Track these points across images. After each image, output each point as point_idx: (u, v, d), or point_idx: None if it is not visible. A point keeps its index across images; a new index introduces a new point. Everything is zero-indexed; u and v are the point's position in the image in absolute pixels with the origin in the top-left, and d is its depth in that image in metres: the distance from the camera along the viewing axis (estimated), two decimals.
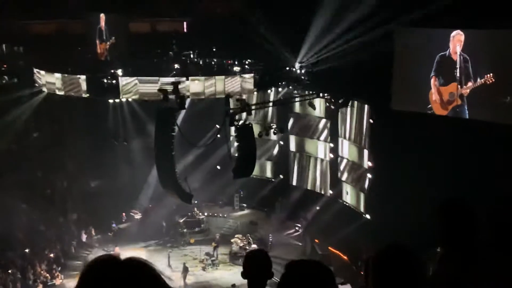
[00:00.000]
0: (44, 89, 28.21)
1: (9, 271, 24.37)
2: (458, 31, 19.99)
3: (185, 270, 24.26)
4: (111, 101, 28.34)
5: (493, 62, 19.31)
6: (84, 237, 28.50)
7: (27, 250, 26.25)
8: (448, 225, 3.74)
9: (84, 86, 26.34)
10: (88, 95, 26.65)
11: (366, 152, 25.79)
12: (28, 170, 30.97)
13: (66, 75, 26.84)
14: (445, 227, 3.75)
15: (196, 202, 27.44)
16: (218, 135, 27.32)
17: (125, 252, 26.39)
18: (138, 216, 30.14)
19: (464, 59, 19.88)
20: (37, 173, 31.53)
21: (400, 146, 21.64)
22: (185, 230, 28.58)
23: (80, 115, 30.31)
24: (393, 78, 22.29)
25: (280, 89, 28.16)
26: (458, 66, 20.11)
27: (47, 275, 25.07)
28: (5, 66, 32.58)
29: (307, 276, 2.84)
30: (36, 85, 28.67)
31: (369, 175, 25.55)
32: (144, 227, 29.22)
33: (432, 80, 21.12)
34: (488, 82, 19.03)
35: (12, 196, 28.60)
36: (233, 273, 24.49)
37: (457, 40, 20.08)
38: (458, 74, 20.21)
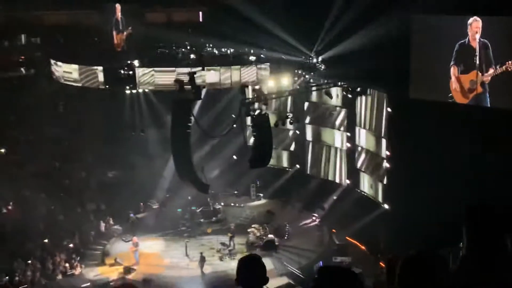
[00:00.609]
0: (62, 80, 28.22)
1: (29, 261, 24.51)
2: (475, 17, 19.71)
3: (202, 260, 24.21)
4: (128, 92, 28.33)
5: None
6: (102, 227, 28.56)
7: (46, 241, 26.36)
8: (474, 229, 3.61)
9: (101, 77, 26.33)
10: (105, 86, 26.64)
11: (384, 141, 25.51)
12: (46, 161, 31.16)
13: (83, 66, 26.84)
14: (471, 230, 3.62)
15: (212, 192, 27.33)
16: (234, 125, 27.20)
17: (143, 242, 26.53)
18: (155, 206, 30.13)
19: (484, 45, 19.61)
20: (55, 164, 31.66)
21: (419, 135, 21.43)
22: (202, 220, 28.52)
23: (97, 106, 30.29)
24: (411, 66, 22.06)
25: (296, 78, 27.86)
26: (477, 53, 19.84)
27: (67, 265, 25.16)
28: (22, 57, 32.75)
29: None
30: (53, 76, 28.67)
31: (386, 165, 25.26)
32: (162, 217, 29.21)
33: (452, 69, 20.85)
34: (509, 69, 18.73)
35: (31, 187, 28.83)
36: None
37: (475, 27, 19.82)
38: (478, 62, 19.95)
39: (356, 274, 2.99)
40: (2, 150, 31.24)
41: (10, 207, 27.71)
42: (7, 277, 23.46)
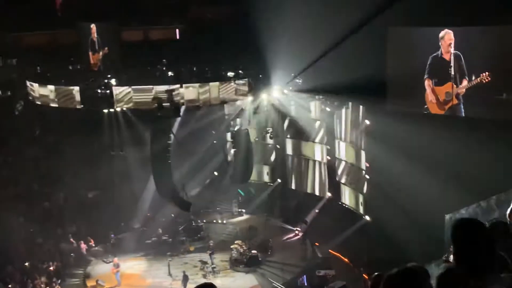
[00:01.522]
0: (38, 101, 28.14)
1: (9, 286, 24.27)
2: (447, 30, 20.02)
3: (185, 279, 24.08)
4: (105, 111, 28.29)
5: (487, 59, 19.31)
6: (83, 249, 28.34)
7: (26, 264, 26.11)
8: (461, 245, 3.73)
9: (78, 97, 26.34)
10: (82, 106, 26.62)
11: (363, 153, 25.72)
12: (25, 183, 30.93)
13: (59, 87, 26.80)
14: (458, 246, 3.73)
15: (194, 209, 27.31)
16: (214, 141, 27.31)
17: (124, 263, 26.38)
18: (137, 226, 29.99)
19: (457, 57, 19.90)
20: (34, 186, 31.43)
21: (397, 146, 21.60)
22: (184, 238, 28.42)
23: (75, 126, 30.12)
24: (387, 79, 22.32)
25: (275, 93, 28.05)
26: (452, 65, 20.13)
27: (46, 287, 24.97)
28: None
29: None
30: (30, 98, 28.60)
31: (367, 176, 25.46)
32: (143, 237, 29.07)
33: (426, 82, 21.15)
34: (484, 81, 19.03)
35: (10, 209, 28.54)
36: (234, 280, 24.46)
37: (447, 39, 20.12)
38: (452, 73, 20.23)
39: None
40: None
41: None
42: None
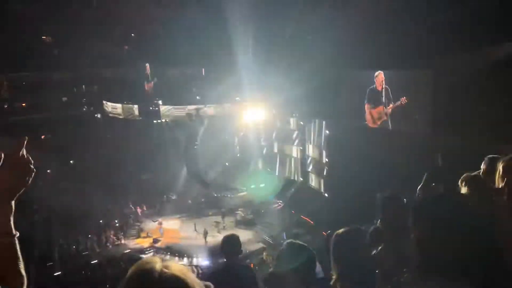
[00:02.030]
0: (110, 114, 28.10)
1: (89, 236, 24.20)
2: (380, 71, 20.06)
3: (206, 233, 24.05)
4: (155, 121, 28.22)
5: (405, 91, 19.33)
6: (139, 212, 28.29)
7: (101, 221, 26.05)
8: (384, 211, 3.68)
9: (136, 111, 26.27)
10: (140, 117, 26.59)
11: (324, 152, 25.60)
12: (103, 170, 30.83)
13: (124, 104, 26.75)
14: (382, 212, 3.69)
15: (212, 187, 27.20)
16: (227, 143, 27.15)
17: (166, 222, 26.25)
18: (174, 197, 29.94)
19: (386, 89, 19.90)
20: (107, 170, 31.33)
21: (346, 148, 21.53)
22: (204, 206, 28.37)
23: (135, 131, 30.04)
24: (340, 104, 22.29)
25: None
26: (383, 94, 20.09)
27: (114, 238, 24.87)
28: (84, 99, 32.55)
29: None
30: (105, 112, 28.56)
31: (326, 167, 25.35)
32: (178, 205, 28.98)
33: (366, 106, 21.08)
34: (402, 103, 19.06)
35: (91, 185, 28.48)
36: (238, 234, 24.31)
37: (380, 77, 20.14)
38: (383, 100, 20.19)
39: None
40: (71, 161, 30.91)
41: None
42: (74, 246, 23.11)
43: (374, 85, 20.37)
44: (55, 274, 20.28)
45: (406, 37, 16.94)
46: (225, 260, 4.55)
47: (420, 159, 16.76)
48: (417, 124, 18.76)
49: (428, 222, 1.77)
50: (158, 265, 1.29)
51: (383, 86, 19.98)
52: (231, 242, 4.52)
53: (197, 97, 27.95)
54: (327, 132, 24.85)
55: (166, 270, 1.28)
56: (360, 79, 21.64)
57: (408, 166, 16.68)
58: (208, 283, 2.62)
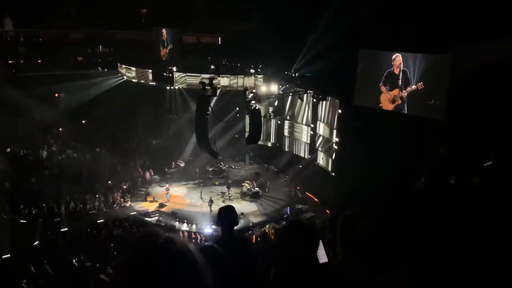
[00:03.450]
0: (124, 77, 28.04)
1: (97, 196, 24.57)
2: (398, 54, 19.67)
3: (211, 202, 24.27)
4: (168, 87, 28.16)
5: (422, 75, 18.99)
6: (147, 176, 28.59)
7: (109, 182, 26.38)
8: (396, 194, 3.69)
9: (150, 76, 26.21)
10: (153, 83, 26.51)
11: (334, 131, 25.42)
12: (112, 130, 31.10)
13: (139, 68, 26.65)
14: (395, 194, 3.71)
15: (220, 158, 27.29)
16: (237, 115, 27.06)
17: (172, 188, 26.55)
18: (182, 164, 30.15)
19: (404, 72, 19.58)
20: (118, 133, 31.61)
21: (357, 128, 21.38)
22: (212, 175, 28.54)
23: (147, 96, 30.07)
24: (356, 82, 21.98)
25: (280, 86, 27.71)
26: (400, 77, 19.78)
27: (121, 199, 25.20)
28: (99, 60, 32.48)
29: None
30: (119, 74, 28.49)
31: (335, 147, 25.23)
32: (186, 172, 29.23)
33: (382, 87, 20.81)
34: (419, 88, 18.75)
35: (101, 147, 28.79)
36: (243, 206, 24.55)
37: (398, 60, 19.77)
38: (400, 83, 19.88)
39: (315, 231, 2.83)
40: (83, 121, 31.15)
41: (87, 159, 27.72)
42: (82, 205, 23.52)
43: (392, 68, 20.04)
44: (62, 229, 20.74)
45: (427, 20, 16.53)
46: (221, 232, 4.51)
47: (431, 146, 16.68)
48: (431, 110, 18.52)
49: None
50: (161, 239, 1.32)
51: (401, 68, 19.66)
52: (226, 214, 4.47)
53: (211, 66, 27.73)
54: (340, 111, 24.62)
55: (169, 245, 1.30)
56: (377, 60, 21.27)
57: (418, 152, 16.59)
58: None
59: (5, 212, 21.35)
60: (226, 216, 4.42)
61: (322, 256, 3.59)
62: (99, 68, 32.36)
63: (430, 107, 18.64)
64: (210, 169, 28.77)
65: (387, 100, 20.73)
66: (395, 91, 20.21)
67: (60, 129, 29.99)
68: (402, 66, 19.61)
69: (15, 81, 29.07)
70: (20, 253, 17.82)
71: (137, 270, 1.24)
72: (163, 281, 1.22)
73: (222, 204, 25.17)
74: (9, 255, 17.80)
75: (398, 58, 19.73)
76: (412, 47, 18.95)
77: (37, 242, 19.43)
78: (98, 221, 22.07)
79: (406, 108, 20.08)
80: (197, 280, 1.28)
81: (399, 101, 20.11)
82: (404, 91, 19.76)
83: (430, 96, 18.64)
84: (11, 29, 30.04)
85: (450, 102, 17.62)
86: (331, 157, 26.01)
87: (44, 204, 22.48)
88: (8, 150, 25.93)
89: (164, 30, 29.51)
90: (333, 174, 25.48)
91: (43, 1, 29.50)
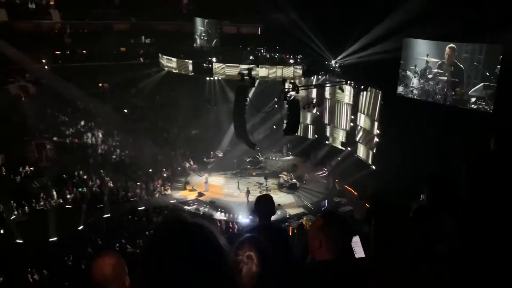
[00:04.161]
0: (165, 68, 28.50)
1: (138, 183, 25.27)
2: (449, 44, 18.89)
3: (248, 192, 24.43)
4: (207, 78, 28.40)
5: (470, 65, 18.17)
6: (186, 165, 29.08)
7: (150, 170, 27.03)
8: (433, 191, 3.52)
9: (190, 67, 26.44)
10: (193, 73, 26.80)
11: (376, 123, 24.87)
12: (153, 120, 31.82)
13: (179, 59, 26.97)
14: (431, 190, 3.53)
15: (258, 148, 27.32)
16: (276, 106, 26.86)
17: (211, 177, 26.86)
18: (220, 154, 30.43)
19: (454, 64, 18.82)
20: (159, 122, 32.28)
21: (399, 120, 20.76)
22: (249, 166, 28.64)
23: (187, 86, 30.48)
24: (399, 74, 21.35)
25: (320, 77, 27.30)
26: (451, 69, 19.06)
27: (162, 187, 25.79)
28: (141, 51, 33.19)
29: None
30: (160, 65, 29.00)
31: (376, 139, 24.69)
32: (224, 162, 29.50)
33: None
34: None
35: (142, 136, 29.53)
36: (279, 197, 24.50)
37: (448, 51, 19.03)
38: (449, 74, 19.15)
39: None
40: (125, 111, 32.02)
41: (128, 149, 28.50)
42: (124, 192, 24.29)
43: (444, 59, 19.34)
44: (104, 216, 21.53)
45: (476, 8, 15.70)
46: (258, 221, 4.49)
47: (477, 139, 15.94)
48: (478, 101, 17.69)
49: None
50: (187, 222, 1.33)
51: (452, 61, 18.89)
52: (264, 203, 4.45)
53: (250, 57, 27.67)
54: (382, 102, 24.00)
55: (194, 230, 1.30)
56: (421, 49, 20.51)
57: (464, 145, 15.90)
58: (251, 252, 2.54)
59: (52, 198, 22.42)
60: (263, 205, 4.41)
61: (359, 251, 3.50)
62: (141, 59, 33.10)
63: (478, 98, 17.81)
64: (248, 160, 28.87)
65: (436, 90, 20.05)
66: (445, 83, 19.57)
67: (104, 118, 30.99)
68: (453, 59, 18.88)
69: (61, 71, 30.30)
70: (65, 237, 18.68)
71: (161, 252, 1.26)
72: (184, 263, 1.22)
73: (258, 195, 25.31)
74: (55, 238, 18.68)
75: (448, 49, 19.01)
76: (457, 37, 18.10)
77: (81, 226, 20.27)
78: (139, 208, 22.71)
79: (450, 98, 19.32)
80: (219, 265, 1.26)
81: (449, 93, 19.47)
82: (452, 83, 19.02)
83: (478, 87, 17.80)
84: (58, 21, 31.19)
85: (499, 94, 16.76)
86: (372, 150, 25.49)
87: (88, 191, 23.41)
88: (55, 138, 27.08)
89: (205, 21, 29.69)
90: (373, 167, 24.96)
91: None
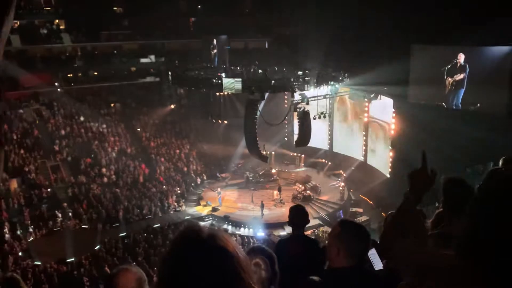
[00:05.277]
0: (176, 85, 28.80)
1: (152, 200, 25.29)
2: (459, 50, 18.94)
3: (262, 205, 24.26)
4: (217, 94, 28.57)
5: (482, 69, 18.04)
6: (199, 181, 29.10)
7: (164, 187, 27.10)
8: (448, 195, 3.44)
9: (200, 84, 26.62)
10: (203, 89, 27.05)
11: (388, 131, 24.68)
12: (165, 137, 32.00)
13: (189, 76, 27.14)
14: (446, 196, 3.46)
15: (270, 161, 27.24)
16: (286, 118, 26.96)
17: (224, 192, 26.80)
18: (233, 168, 30.40)
19: (464, 67, 18.73)
20: (171, 139, 32.45)
21: (413, 128, 20.57)
22: (262, 179, 28.53)
23: (197, 102, 30.67)
24: (409, 80, 21.25)
25: (329, 87, 27.25)
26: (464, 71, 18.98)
27: (176, 204, 25.80)
28: (152, 69, 33.60)
29: None
30: (170, 83, 29.27)
31: (390, 147, 24.45)
32: (236, 176, 29.45)
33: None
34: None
35: (155, 153, 29.70)
36: None
37: (460, 56, 19.03)
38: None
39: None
40: (139, 129, 32.28)
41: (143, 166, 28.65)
42: (138, 210, 24.35)
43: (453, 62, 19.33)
44: (120, 234, 21.57)
45: (485, 11, 15.62)
46: (292, 231, 4.54)
47: (493, 143, 15.70)
48: (493, 105, 17.49)
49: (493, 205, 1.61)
50: (204, 233, 1.31)
51: (462, 63, 18.88)
52: (298, 213, 4.48)
53: (259, 71, 27.76)
54: (394, 109, 23.84)
55: (211, 240, 1.29)
56: (432, 55, 20.41)
57: (480, 150, 15.70)
58: (264, 258, 2.59)
59: (68, 218, 22.59)
60: (294, 215, 4.44)
61: (377, 262, 3.41)
62: (152, 77, 33.51)
63: (493, 103, 17.61)
64: (261, 173, 28.79)
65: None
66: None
67: (117, 137, 31.25)
68: (464, 62, 18.82)
69: (73, 93, 30.79)
70: (82, 257, 18.73)
71: (176, 263, 1.26)
72: (202, 272, 1.23)
73: (274, 208, 25.26)
74: (73, 259, 18.73)
75: (460, 55, 18.99)
76: (471, 41, 17.98)
77: (97, 246, 20.31)
78: (154, 226, 22.72)
79: (460, 99, 19.20)
80: (235, 275, 1.26)
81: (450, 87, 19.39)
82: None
83: (491, 91, 17.59)
84: (69, 44, 31.82)
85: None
86: (386, 158, 25.24)
87: (103, 210, 23.52)
88: (69, 159, 27.35)
89: (213, 38, 30.03)
90: (388, 175, 24.68)
91: (98, 16, 31.05)
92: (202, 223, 23.56)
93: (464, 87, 19.05)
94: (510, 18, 14.76)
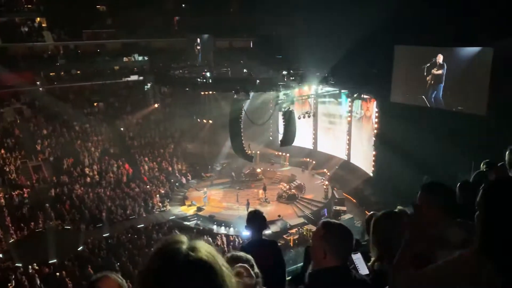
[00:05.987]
0: (160, 84, 28.61)
1: (136, 201, 25.09)
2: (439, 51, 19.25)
3: (248, 204, 24.22)
4: (202, 93, 28.48)
5: (461, 69, 18.37)
6: (183, 181, 28.97)
7: (148, 187, 26.90)
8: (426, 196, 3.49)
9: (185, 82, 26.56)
10: (187, 88, 26.89)
11: (371, 130, 24.92)
12: (149, 136, 31.75)
13: (174, 75, 27.03)
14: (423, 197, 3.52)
15: (255, 161, 27.24)
16: (271, 117, 27.01)
17: (209, 191, 26.71)
18: (218, 168, 30.33)
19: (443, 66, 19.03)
20: (155, 138, 32.21)
21: (395, 126, 20.82)
22: (248, 178, 28.55)
23: (182, 101, 30.46)
24: (392, 80, 21.50)
25: (313, 87, 27.39)
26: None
27: (160, 204, 25.64)
28: (135, 69, 33.29)
29: None
30: (155, 81, 29.10)
31: (373, 146, 24.66)
32: (222, 176, 29.39)
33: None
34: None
35: (139, 153, 29.43)
36: (279, 208, 24.42)
37: (439, 57, 19.37)
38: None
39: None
40: (122, 129, 31.89)
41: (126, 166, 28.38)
42: (122, 210, 24.10)
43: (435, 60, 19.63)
44: (104, 235, 21.33)
45: (465, 11, 15.88)
46: (251, 235, 4.59)
47: (472, 142, 16.01)
48: (471, 105, 17.82)
49: (499, 204, 1.69)
50: (184, 246, 1.23)
51: (442, 64, 19.17)
52: (254, 219, 4.53)
53: (244, 70, 27.79)
54: (376, 109, 24.11)
55: (192, 254, 1.21)
56: (415, 56, 20.70)
57: (460, 149, 15.98)
58: (244, 265, 2.58)
59: (50, 219, 22.23)
60: (253, 221, 4.48)
61: (362, 268, 3.39)
62: (136, 76, 33.19)
63: (471, 102, 17.94)
64: (246, 172, 28.80)
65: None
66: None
67: (100, 136, 30.91)
68: (442, 61, 19.14)
69: (56, 92, 30.31)
70: (65, 258, 18.47)
71: (155, 280, 1.19)
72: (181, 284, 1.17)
73: (259, 207, 25.27)
74: (55, 260, 18.45)
75: (439, 55, 19.29)
76: (449, 42, 18.30)
77: (81, 247, 20.06)
78: (138, 226, 22.53)
79: (443, 101, 19.50)
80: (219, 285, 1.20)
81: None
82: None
83: (470, 91, 17.94)
84: (51, 43, 31.29)
85: (491, 97, 16.88)
86: (369, 157, 25.50)
87: (86, 210, 23.23)
88: (52, 159, 26.93)
89: (197, 37, 29.91)
90: (371, 174, 24.95)
91: (81, 14, 30.63)
92: (186, 223, 23.51)
93: (443, 83, 19.35)
94: (479, 18, 15.11)
